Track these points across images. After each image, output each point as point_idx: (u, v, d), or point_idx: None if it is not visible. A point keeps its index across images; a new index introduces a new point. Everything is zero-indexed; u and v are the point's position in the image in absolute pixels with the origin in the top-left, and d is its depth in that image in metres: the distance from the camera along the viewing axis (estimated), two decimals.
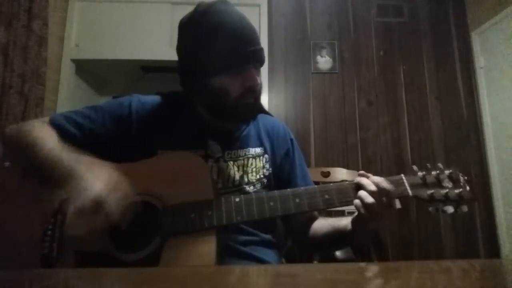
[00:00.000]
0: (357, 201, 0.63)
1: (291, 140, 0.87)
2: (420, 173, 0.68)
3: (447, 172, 0.67)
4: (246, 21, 0.71)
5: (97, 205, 0.52)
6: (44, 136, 0.67)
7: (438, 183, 0.66)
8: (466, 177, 0.67)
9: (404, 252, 2.25)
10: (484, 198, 2.33)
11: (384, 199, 0.62)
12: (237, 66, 0.69)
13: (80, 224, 0.53)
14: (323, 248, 0.84)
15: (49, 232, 0.59)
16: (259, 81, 0.73)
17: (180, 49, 0.76)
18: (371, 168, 2.32)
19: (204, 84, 0.71)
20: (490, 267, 0.48)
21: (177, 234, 0.59)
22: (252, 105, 0.73)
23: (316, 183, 0.73)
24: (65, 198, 0.62)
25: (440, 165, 0.68)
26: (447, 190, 0.65)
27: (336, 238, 0.74)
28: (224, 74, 0.70)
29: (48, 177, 0.61)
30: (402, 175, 0.68)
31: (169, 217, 0.60)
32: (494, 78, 2.36)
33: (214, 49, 0.68)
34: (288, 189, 0.66)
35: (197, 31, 0.71)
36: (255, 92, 0.72)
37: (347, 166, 2.27)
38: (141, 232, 0.61)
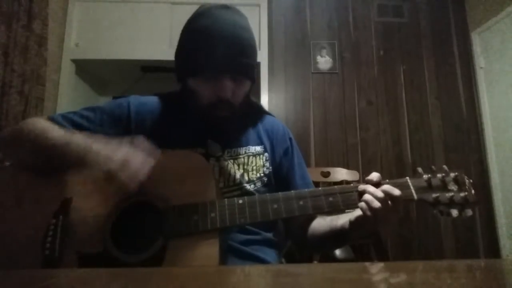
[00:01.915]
0: (362, 204, 0.62)
1: (290, 139, 0.87)
2: (425, 176, 0.65)
3: (452, 174, 0.65)
4: (239, 31, 0.69)
5: (124, 164, 0.56)
6: (50, 126, 0.68)
7: (444, 186, 0.64)
8: (471, 180, 0.65)
9: (404, 252, 2.25)
10: (484, 198, 2.33)
11: (390, 203, 0.61)
12: (211, 71, 0.68)
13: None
14: (321, 247, 0.83)
15: (51, 233, 0.59)
16: (230, 94, 0.70)
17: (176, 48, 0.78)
18: (371, 168, 2.32)
19: (183, 84, 0.74)
20: (490, 267, 0.48)
21: (179, 236, 0.59)
22: (223, 118, 0.72)
23: (316, 183, 0.73)
24: (68, 197, 0.62)
25: (445, 167, 0.66)
26: (453, 193, 0.63)
27: (334, 237, 0.73)
28: (198, 76, 0.70)
29: (60, 163, 0.62)
30: (408, 178, 0.66)
31: (172, 219, 0.60)
32: (494, 78, 2.36)
33: (194, 50, 0.69)
34: (292, 191, 0.65)
35: (187, 31, 0.73)
36: (229, 104, 0.71)
37: (347, 166, 2.26)
38: (143, 233, 0.60)
